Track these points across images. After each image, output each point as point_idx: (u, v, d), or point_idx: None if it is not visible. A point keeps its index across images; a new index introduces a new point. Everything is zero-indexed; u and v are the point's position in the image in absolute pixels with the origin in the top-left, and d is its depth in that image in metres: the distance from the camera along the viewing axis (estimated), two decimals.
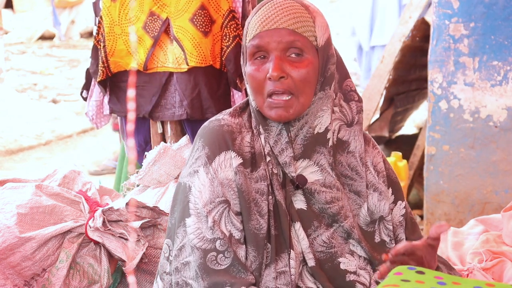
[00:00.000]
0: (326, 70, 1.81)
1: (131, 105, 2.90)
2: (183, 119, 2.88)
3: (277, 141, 1.81)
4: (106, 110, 3.01)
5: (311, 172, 1.82)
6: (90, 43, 13.26)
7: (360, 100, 1.89)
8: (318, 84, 1.80)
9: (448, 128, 3.54)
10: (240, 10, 2.83)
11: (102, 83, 2.93)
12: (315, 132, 1.81)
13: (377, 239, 1.88)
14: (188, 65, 2.78)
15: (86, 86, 3.03)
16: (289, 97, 1.75)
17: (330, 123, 1.82)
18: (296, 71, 1.75)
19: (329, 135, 1.82)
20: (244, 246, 1.76)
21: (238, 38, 2.80)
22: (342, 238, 1.85)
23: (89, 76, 3.01)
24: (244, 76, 1.86)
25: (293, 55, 1.76)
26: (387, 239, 1.89)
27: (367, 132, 1.99)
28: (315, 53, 1.78)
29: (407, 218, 1.96)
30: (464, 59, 3.46)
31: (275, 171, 1.81)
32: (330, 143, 1.83)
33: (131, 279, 1.78)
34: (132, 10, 2.84)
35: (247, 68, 1.80)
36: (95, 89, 2.99)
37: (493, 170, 3.50)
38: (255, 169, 1.80)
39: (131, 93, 2.92)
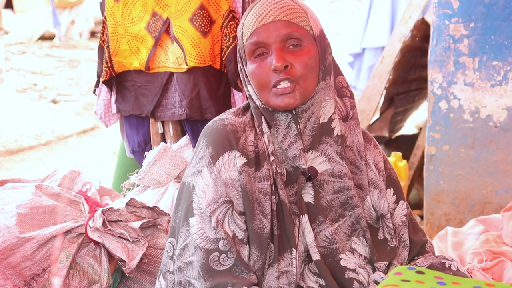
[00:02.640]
0: (325, 60, 1.83)
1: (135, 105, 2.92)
2: (183, 119, 2.88)
3: (286, 135, 1.81)
4: (114, 109, 3.02)
5: (319, 162, 1.83)
6: (90, 43, 13.28)
7: (352, 97, 1.91)
8: (320, 72, 1.81)
9: (448, 128, 3.54)
10: (240, 10, 2.82)
11: (107, 83, 2.94)
12: (320, 122, 1.83)
13: (380, 236, 1.90)
14: (187, 65, 2.78)
15: (97, 84, 3.04)
16: (293, 84, 1.76)
17: (334, 112, 1.84)
18: (298, 59, 1.77)
19: (333, 124, 1.84)
20: (247, 246, 1.77)
21: None
22: (345, 235, 1.85)
23: (100, 75, 3.02)
24: (243, 79, 1.86)
25: (291, 47, 1.77)
26: (388, 237, 1.90)
27: (368, 132, 1.99)
28: (313, 42, 1.80)
29: (408, 219, 1.97)
30: (464, 59, 3.45)
31: (279, 171, 1.82)
32: (336, 132, 1.84)
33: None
34: (135, 10, 2.84)
35: (249, 67, 1.80)
36: (103, 88, 3.00)
37: (493, 170, 3.50)
38: (259, 169, 1.81)
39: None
